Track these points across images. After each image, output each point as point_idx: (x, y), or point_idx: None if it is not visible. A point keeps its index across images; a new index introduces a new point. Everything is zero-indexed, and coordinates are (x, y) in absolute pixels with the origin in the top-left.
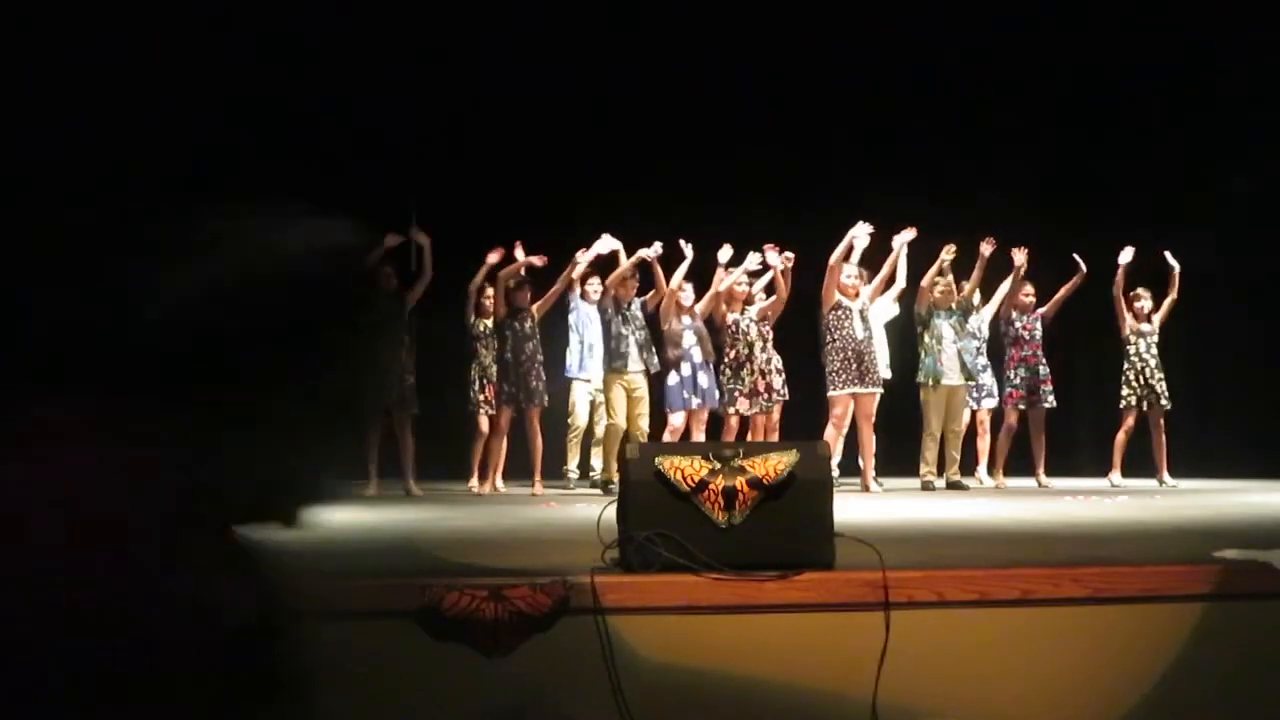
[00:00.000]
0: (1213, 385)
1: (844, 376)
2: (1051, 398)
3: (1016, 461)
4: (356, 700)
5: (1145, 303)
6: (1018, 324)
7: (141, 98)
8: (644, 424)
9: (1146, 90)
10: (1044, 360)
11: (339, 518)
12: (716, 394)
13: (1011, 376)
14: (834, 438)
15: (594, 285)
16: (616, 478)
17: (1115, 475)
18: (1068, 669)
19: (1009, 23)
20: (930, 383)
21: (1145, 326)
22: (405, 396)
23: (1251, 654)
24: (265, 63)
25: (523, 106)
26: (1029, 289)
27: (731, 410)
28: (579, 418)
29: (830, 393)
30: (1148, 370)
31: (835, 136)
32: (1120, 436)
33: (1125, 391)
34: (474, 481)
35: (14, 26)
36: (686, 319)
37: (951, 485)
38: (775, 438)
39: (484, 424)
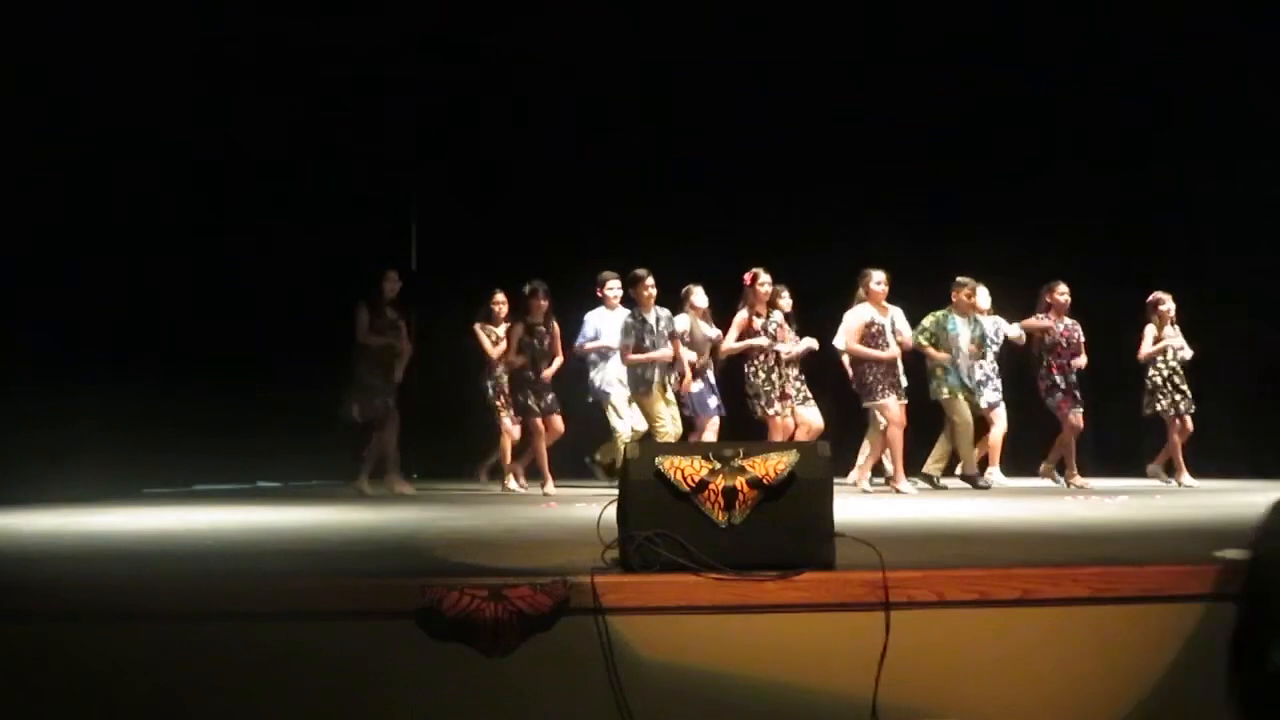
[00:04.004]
0: (1212, 385)
1: (883, 386)
2: (1081, 405)
3: (1019, 462)
4: (357, 701)
5: (1170, 306)
6: (1056, 330)
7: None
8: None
9: (1141, 94)
10: (1072, 368)
11: (339, 518)
12: (698, 404)
13: (1059, 381)
14: (898, 439)
15: (614, 289)
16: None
17: (1186, 477)
18: (1068, 669)
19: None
20: (953, 396)
21: (1168, 331)
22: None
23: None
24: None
25: (530, 127)
26: (1063, 288)
27: (772, 412)
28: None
29: (877, 400)
30: (1176, 376)
31: (841, 177)
32: (1176, 440)
33: (1164, 400)
34: (512, 483)
35: None
36: (704, 325)
37: (926, 479)
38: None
39: (508, 424)
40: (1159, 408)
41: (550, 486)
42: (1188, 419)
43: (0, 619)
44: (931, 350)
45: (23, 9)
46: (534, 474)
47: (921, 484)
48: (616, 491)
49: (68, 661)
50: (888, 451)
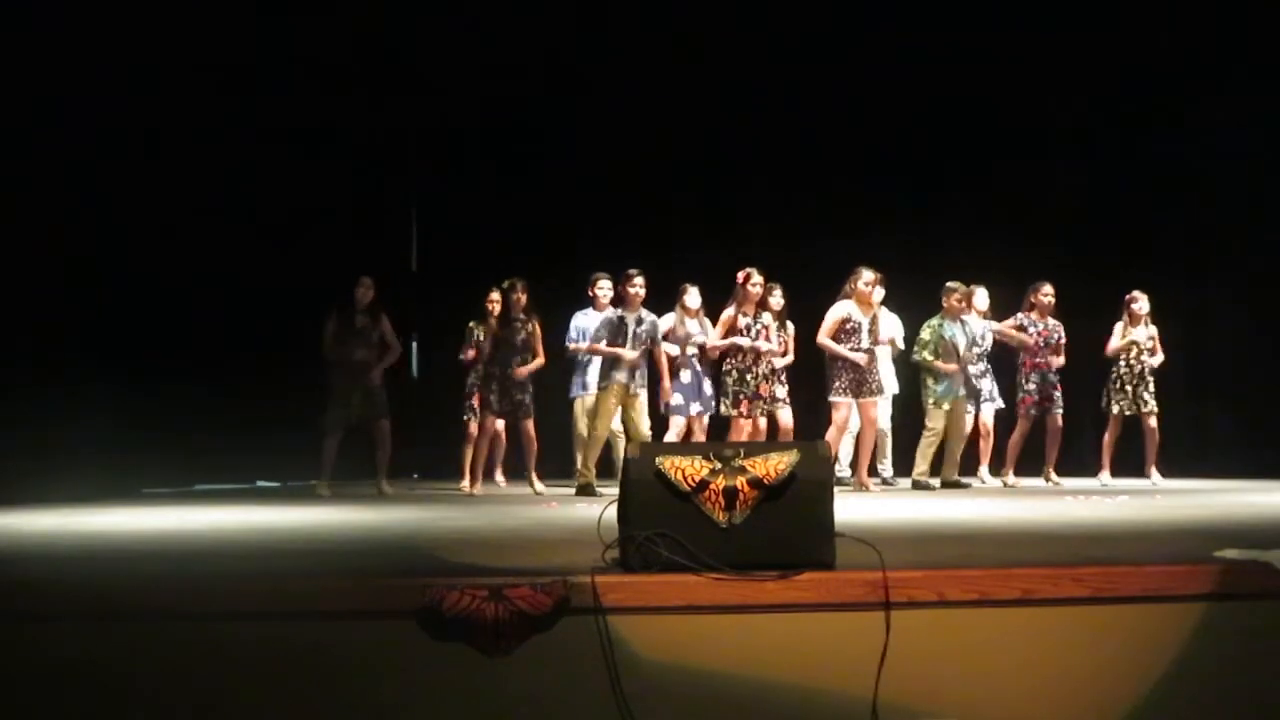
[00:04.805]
0: (1213, 384)
1: (844, 385)
2: (1060, 404)
3: (1020, 463)
4: (357, 700)
5: (1143, 305)
6: (1035, 330)
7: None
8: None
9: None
10: (1050, 366)
11: (339, 518)
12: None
13: (1024, 382)
14: (835, 439)
15: (604, 289)
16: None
17: (1105, 475)
18: (1068, 669)
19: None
20: (937, 406)
21: (1139, 331)
22: (380, 402)
23: (1251, 654)
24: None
25: (529, 127)
26: (1048, 289)
27: (735, 413)
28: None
29: (832, 397)
30: (1137, 376)
31: (837, 171)
32: (1108, 438)
33: (1119, 399)
34: (464, 482)
35: None
36: (693, 323)
37: (947, 484)
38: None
39: (472, 428)
40: (1115, 408)
41: (478, 488)
42: (1150, 419)
43: (0, 619)
44: (940, 364)
45: (25, 10)
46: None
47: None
48: (618, 491)
49: (67, 662)
50: (879, 446)
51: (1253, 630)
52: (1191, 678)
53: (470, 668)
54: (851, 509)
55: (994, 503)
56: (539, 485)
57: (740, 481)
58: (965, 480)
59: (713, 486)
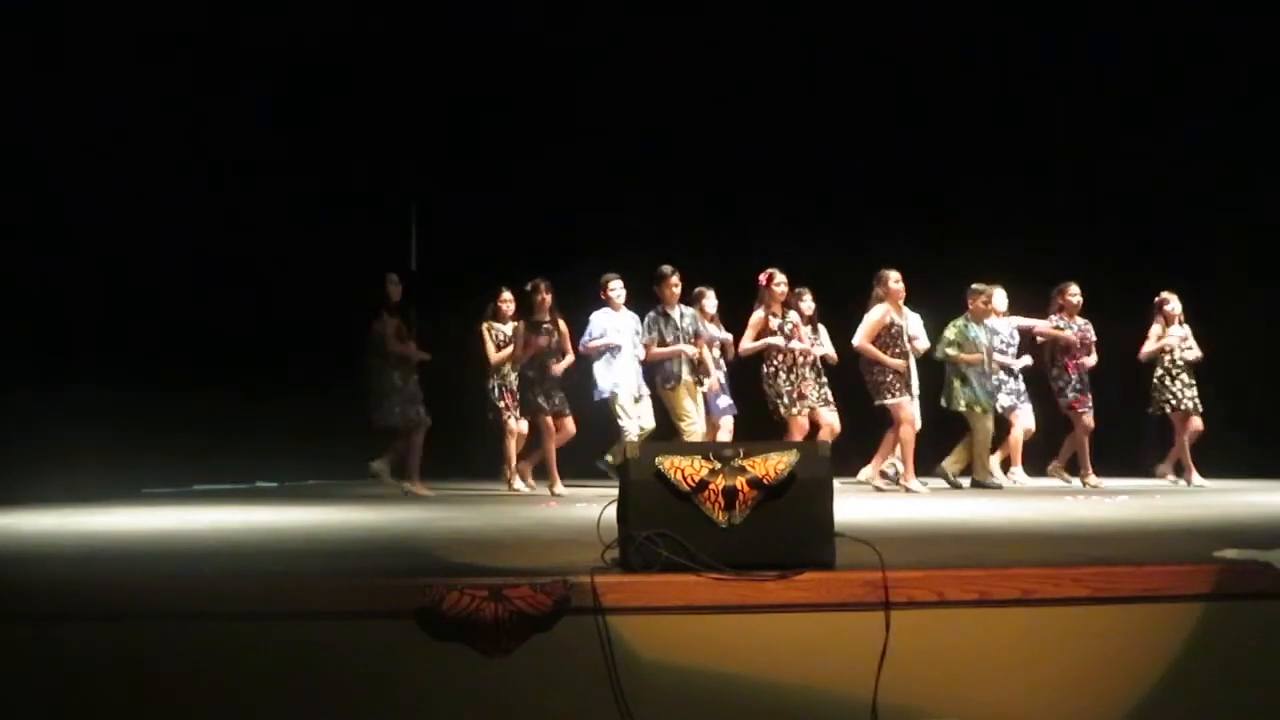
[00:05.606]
0: (1212, 384)
1: (897, 385)
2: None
3: (1025, 462)
4: (357, 700)
5: (1175, 305)
6: (1072, 329)
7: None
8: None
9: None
10: (1085, 367)
11: (339, 518)
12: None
13: (1074, 380)
14: (910, 438)
15: (616, 290)
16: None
17: (1195, 477)
18: (1068, 669)
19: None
20: (970, 408)
21: (1174, 330)
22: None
23: (1251, 654)
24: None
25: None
26: (1074, 289)
27: (795, 411)
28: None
29: (889, 400)
30: (1183, 375)
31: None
32: (1183, 440)
33: (1169, 400)
34: (518, 482)
35: None
36: (712, 326)
37: (976, 484)
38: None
39: (512, 424)
40: (1166, 409)
41: (559, 487)
42: (1195, 418)
43: (0, 619)
44: (964, 355)
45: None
46: (540, 474)
47: (934, 482)
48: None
49: (68, 661)
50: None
51: (1253, 630)
52: (1191, 678)
53: (470, 668)
54: (851, 509)
55: (994, 503)
56: (560, 486)
57: (740, 481)
58: (960, 480)
59: (712, 486)
